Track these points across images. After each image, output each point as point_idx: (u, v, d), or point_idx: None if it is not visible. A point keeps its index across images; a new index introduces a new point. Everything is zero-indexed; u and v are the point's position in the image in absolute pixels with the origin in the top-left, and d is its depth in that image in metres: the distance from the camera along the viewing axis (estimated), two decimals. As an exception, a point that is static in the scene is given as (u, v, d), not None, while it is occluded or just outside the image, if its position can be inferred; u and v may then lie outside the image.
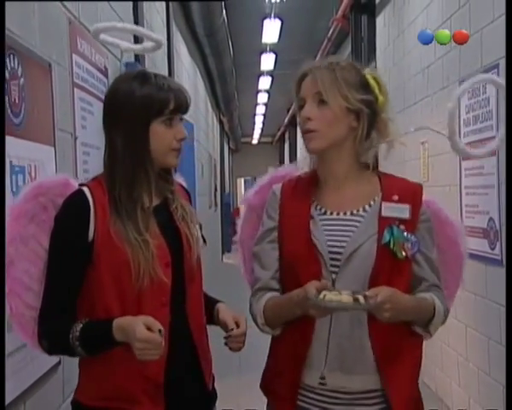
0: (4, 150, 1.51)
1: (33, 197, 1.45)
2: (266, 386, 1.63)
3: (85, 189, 1.47)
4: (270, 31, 8.67)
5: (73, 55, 2.32)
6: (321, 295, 1.37)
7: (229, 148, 19.87)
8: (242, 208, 1.77)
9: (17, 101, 1.71)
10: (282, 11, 7.93)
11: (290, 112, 15.73)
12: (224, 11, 6.96)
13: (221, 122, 14.86)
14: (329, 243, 1.52)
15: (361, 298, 1.37)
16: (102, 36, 1.81)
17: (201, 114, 9.28)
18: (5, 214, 1.45)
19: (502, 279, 3.19)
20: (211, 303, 1.64)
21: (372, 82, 1.56)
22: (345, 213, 1.56)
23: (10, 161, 1.66)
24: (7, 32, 1.69)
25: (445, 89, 4.13)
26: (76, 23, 2.36)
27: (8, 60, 1.66)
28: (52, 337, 1.45)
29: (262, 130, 20.95)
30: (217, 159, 13.30)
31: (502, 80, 1.78)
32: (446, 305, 1.58)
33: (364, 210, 1.55)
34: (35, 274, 1.46)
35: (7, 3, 1.60)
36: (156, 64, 4.84)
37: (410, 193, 1.57)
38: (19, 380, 1.70)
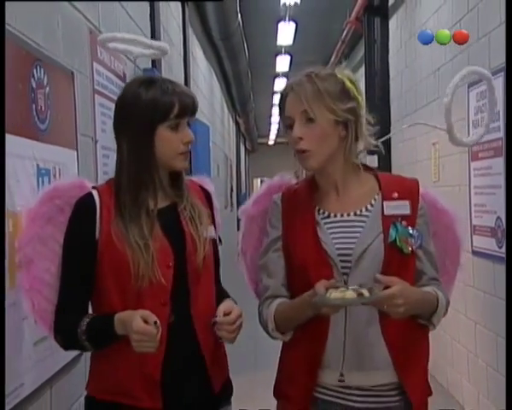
0: (4, 150, 1.54)
1: (49, 200, 1.52)
2: (280, 391, 1.63)
3: (94, 191, 1.54)
4: (285, 33, 8.78)
5: (94, 64, 2.45)
6: (327, 294, 1.40)
7: (245, 148, 19.99)
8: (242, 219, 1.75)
9: (43, 108, 1.84)
10: (297, 14, 8.02)
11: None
12: (240, 15, 7.08)
13: (237, 123, 15.00)
14: (337, 245, 1.54)
15: (365, 292, 1.40)
16: (113, 44, 1.86)
17: (217, 115, 9.41)
18: (5, 214, 1.52)
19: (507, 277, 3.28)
20: (220, 301, 1.62)
21: (350, 85, 1.56)
22: (348, 215, 1.58)
23: (37, 164, 1.79)
24: (34, 44, 1.82)
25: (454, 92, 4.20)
26: (96, 33, 2.49)
27: (34, 70, 1.79)
28: (65, 333, 1.51)
29: (278, 130, 21.04)
30: (233, 159, 13.42)
31: (488, 72, 1.83)
32: (447, 296, 1.62)
33: (367, 210, 1.58)
34: (56, 272, 1.52)
35: (33, 17, 1.73)
36: (173, 68, 4.98)
37: (408, 189, 1.60)
38: (45, 367, 1.82)
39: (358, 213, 1.58)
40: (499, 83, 3.27)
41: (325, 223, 1.57)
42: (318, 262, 1.53)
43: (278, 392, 1.64)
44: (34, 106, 1.78)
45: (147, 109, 1.49)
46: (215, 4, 6.12)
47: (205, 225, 1.59)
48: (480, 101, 3.71)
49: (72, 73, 2.15)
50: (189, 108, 1.54)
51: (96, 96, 2.46)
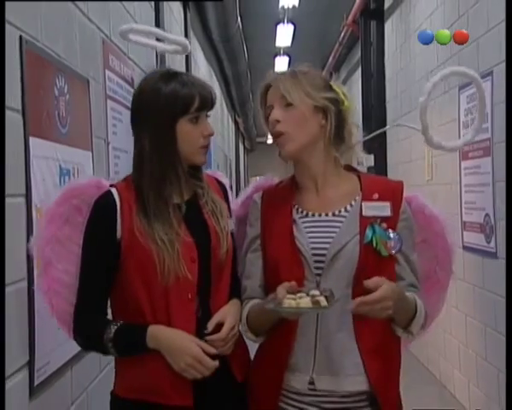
0: (4, 150, 1.54)
1: (66, 200, 1.51)
2: (250, 393, 1.59)
3: (113, 189, 1.51)
4: (284, 35, 8.98)
5: (106, 71, 2.63)
6: (285, 300, 1.36)
7: (244, 147, 20.13)
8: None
9: (64, 114, 2.02)
10: (295, 16, 8.21)
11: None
12: (239, 18, 7.25)
13: (236, 123, 15.15)
14: (312, 245, 1.51)
15: (322, 300, 1.35)
16: (135, 37, 1.79)
17: (217, 116, 9.58)
18: (5, 215, 1.52)
19: (496, 270, 3.45)
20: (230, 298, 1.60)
21: (335, 87, 1.57)
22: (326, 215, 1.55)
23: (60, 165, 1.97)
24: (55, 56, 2.00)
25: (446, 93, 4.39)
26: (108, 42, 2.67)
27: (57, 80, 1.97)
28: (86, 336, 1.51)
29: (277, 130, 21.20)
30: (232, 158, 13.59)
31: (473, 72, 1.75)
32: (425, 307, 1.55)
33: (346, 210, 1.55)
34: (75, 273, 1.51)
35: (54, 31, 1.89)
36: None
37: (390, 191, 1.56)
38: (66, 350, 2.00)
39: (337, 213, 1.55)
40: (487, 86, 3.44)
41: (303, 222, 1.55)
42: (290, 261, 1.50)
43: (248, 394, 1.59)
44: (57, 112, 1.96)
45: (167, 103, 1.46)
46: (215, 8, 6.29)
47: (225, 218, 1.58)
48: (470, 103, 3.89)
49: (88, 81, 2.32)
50: (208, 100, 1.52)
51: (107, 101, 2.64)
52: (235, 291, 1.60)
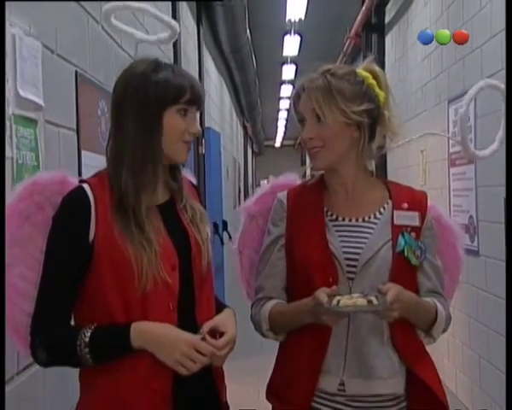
0: (4, 150, 1.55)
1: (28, 196, 1.35)
2: (276, 394, 1.57)
3: (85, 185, 1.37)
4: (291, 45, 9.35)
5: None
6: (334, 301, 1.37)
7: (252, 151, 20.54)
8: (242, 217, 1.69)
9: (105, 130, 2.45)
10: (302, 28, 8.60)
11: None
12: (248, 29, 7.69)
13: (245, 127, 15.56)
14: (344, 249, 1.51)
15: (374, 299, 1.37)
16: (115, 22, 1.64)
17: (227, 121, 10.00)
18: (5, 215, 1.36)
19: (479, 267, 3.83)
20: (219, 308, 1.50)
21: (371, 81, 1.53)
22: (357, 220, 1.56)
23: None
24: (98, 83, 2.44)
25: (437, 106, 4.78)
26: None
27: (99, 103, 2.41)
28: (51, 347, 1.33)
29: (285, 133, 21.62)
30: (241, 162, 13.99)
31: (502, 85, 1.90)
32: (448, 311, 1.58)
33: (376, 217, 1.56)
34: (33, 279, 1.35)
35: (97, 62, 2.31)
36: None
37: (417, 201, 1.59)
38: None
39: (367, 219, 1.56)
40: (471, 104, 3.82)
41: (333, 225, 1.55)
42: (324, 263, 1.50)
43: (274, 395, 1.58)
44: (99, 129, 2.40)
45: (158, 89, 1.36)
46: (226, 20, 6.72)
47: (205, 225, 1.48)
48: (456, 115, 4.29)
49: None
50: (199, 96, 1.43)
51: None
52: (218, 301, 1.53)
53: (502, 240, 2.48)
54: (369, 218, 1.56)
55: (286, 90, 13.42)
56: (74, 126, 2.13)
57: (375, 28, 6.84)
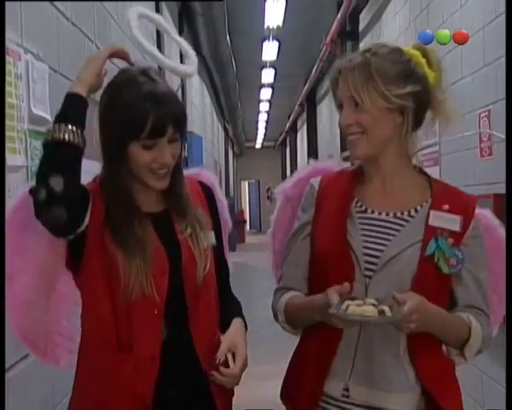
0: (4, 151, 1.55)
1: (24, 206, 1.32)
2: (287, 395, 1.50)
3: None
4: (269, 50, 9.65)
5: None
6: (343, 306, 1.24)
7: (233, 152, 20.71)
8: (278, 200, 1.60)
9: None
10: (280, 34, 8.89)
11: (291, 118, 16.72)
12: (228, 35, 7.94)
13: (226, 129, 15.80)
14: (366, 243, 1.38)
15: (387, 310, 1.23)
16: (144, 41, 1.46)
17: (208, 124, 10.23)
18: (5, 214, 1.37)
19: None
20: (226, 318, 1.47)
21: (419, 60, 1.38)
22: (387, 215, 1.41)
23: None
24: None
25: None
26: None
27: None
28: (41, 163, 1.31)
29: (265, 135, 21.86)
30: (222, 164, 14.20)
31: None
32: (490, 331, 1.41)
33: (410, 215, 1.41)
34: (41, 287, 1.37)
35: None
36: (173, 85, 5.78)
37: (463, 204, 1.41)
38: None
39: (399, 215, 1.41)
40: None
41: (359, 217, 1.42)
42: (340, 256, 1.38)
43: (285, 396, 1.52)
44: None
45: (116, 125, 1.31)
46: (206, 26, 6.97)
47: (205, 232, 1.43)
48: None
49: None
50: (166, 125, 1.30)
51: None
52: (233, 308, 1.50)
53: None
54: (402, 214, 1.41)
55: (265, 93, 13.70)
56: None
57: (350, 35, 7.11)
